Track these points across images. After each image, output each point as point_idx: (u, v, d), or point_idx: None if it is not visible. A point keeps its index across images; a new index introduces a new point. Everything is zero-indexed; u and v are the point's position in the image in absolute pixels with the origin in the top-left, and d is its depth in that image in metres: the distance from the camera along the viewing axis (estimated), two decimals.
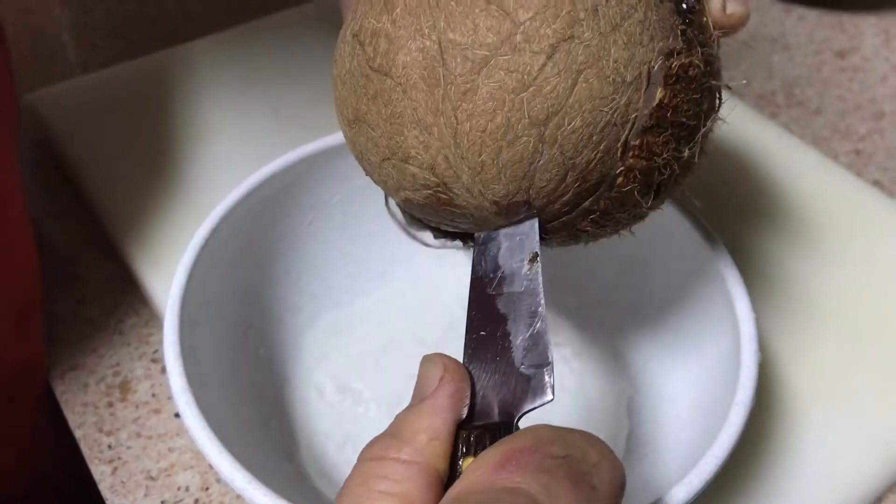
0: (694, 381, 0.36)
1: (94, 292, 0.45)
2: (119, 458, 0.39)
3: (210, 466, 0.38)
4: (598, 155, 0.27)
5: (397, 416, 0.24)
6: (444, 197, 0.29)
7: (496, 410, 0.25)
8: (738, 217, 0.47)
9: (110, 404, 0.41)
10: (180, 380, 0.29)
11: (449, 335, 0.42)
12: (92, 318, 0.44)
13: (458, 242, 0.33)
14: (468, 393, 0.25)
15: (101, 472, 0.38)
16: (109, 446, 0.39)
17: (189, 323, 0.32)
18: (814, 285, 0.43)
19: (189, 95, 0.54)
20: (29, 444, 0.43)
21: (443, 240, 0.34)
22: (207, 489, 0.37)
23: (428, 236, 0.35)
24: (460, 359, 0.26)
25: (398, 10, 0.28)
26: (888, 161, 0.54)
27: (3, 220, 0.37)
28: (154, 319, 0.44)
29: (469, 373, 0.26)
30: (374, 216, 0.42)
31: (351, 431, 0.39)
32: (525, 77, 0.26)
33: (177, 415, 0.40)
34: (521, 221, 0.29)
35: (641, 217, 0.30)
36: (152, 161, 0.49)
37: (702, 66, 0.27)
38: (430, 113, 0.27)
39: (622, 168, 0.27)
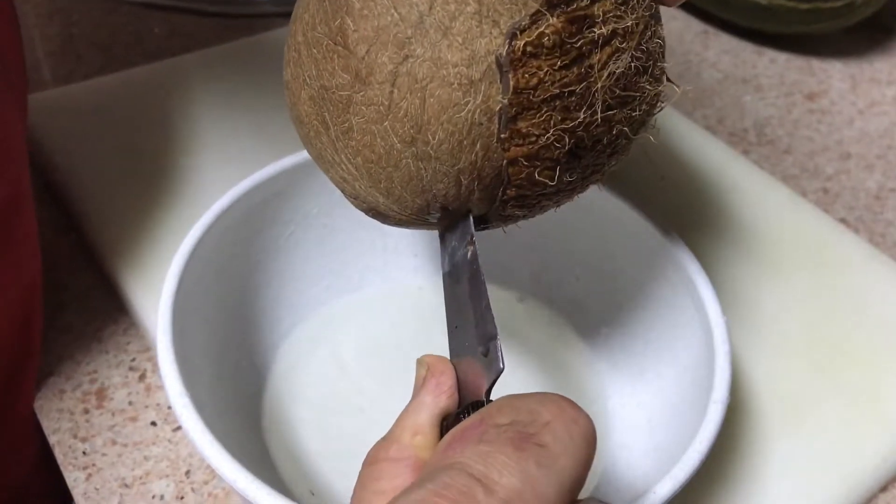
0: (665, 385, 0.37)
1: (74, 300, 0.45)
2: (94, 465, 0.38)
3: (186, 475, 0.38)
4: (479, 154, 0.27)
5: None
6: (380, 217, 0.30)
7: (481, 393, 0.26)
8: (711, 248, 0.48)
9: (86, 411, 0.40)
10: (177, 384, 0.30)
11: (422, 342, 0.43)
12: (70, 325, 0.44)
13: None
14: (451, 385, 0.26)
15: (74, 479, 0.38)
16: (84, 452, 0.39)
17: (179, 332, 0.32)
18: (782, 315, 0.45)
19: (174, 108, 0.54)
20: (19, 445, 0.43)
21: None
22: (182, 498, 0.37)
23: None
24: None
25: (291, 63, 0.29)
26: (853, 200, 0.56)
27: (18, 218, 0.37)
28: (132, 328, 0.44)
29: (454, 365, 0.27)
30: (351, 228, 0.43)
31: (327, 439, 0.39)
32: (380, 108, 0.26)
33: (153, 423, 0.40)
34: (457, 220, 0.30)
35: (570, 186, 0.29)
36: (135, 172, 0.50)
37: (559, 31, 0.26)
38: (334, 153, 0.29)
39: (507, 159, 0.27)
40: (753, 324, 0.44)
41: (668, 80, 0.30)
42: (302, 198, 0.41)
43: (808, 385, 0.42)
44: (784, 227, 0.50)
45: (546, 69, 0.26)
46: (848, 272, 0.48)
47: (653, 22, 0.28)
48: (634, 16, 0.27)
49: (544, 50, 0.26)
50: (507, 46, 0.25)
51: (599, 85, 0.26)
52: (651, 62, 0.28)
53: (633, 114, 0.28)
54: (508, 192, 0.28)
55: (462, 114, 0.26)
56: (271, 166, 0.40)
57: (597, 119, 0.27)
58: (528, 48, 0.25)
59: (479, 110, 0.26)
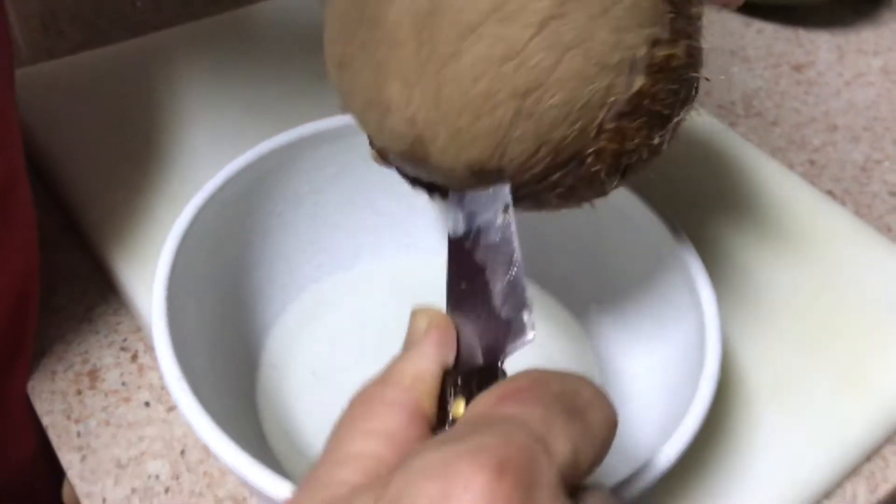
0: (658, 359, 0.37)
1: (63, 280, 0.45)
2: (88, 446, 0.39)
3: (181, 454, 0.38)
4: (573, 133, 0.27)
5: (387, 364, 0.25)
6: (420, 154, 0.29)
7: (480, 357, 0.26)
8: (698, 221, 0.48)
9: (79, 392, 0.41)
10: (173, 366, 0.30)
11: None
12: (60, 306, 0.44)
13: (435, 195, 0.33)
14: (453, 341, 0.26)
15: (69, 460, 0.38)
16: (78, 434, 0.39)
17: (174, 314, 0.32)
18: (770, 287, 0.45)
19: (161, 85, 0.53)
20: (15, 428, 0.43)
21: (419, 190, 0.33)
22: (178, 478, 0.38)
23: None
24: None
25: None
26: (840, 172, 0.57)
27: (16, 198, 0.37)
28: (123, 308, 0.44)
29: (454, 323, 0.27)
30: (343, 206, 0.43)
31: (322, 417, 0.39)
32: (511, 48, 0.26)
33: (147, 403, 0.40)
34: (491, 185, 0.29)
35: (604, 193, 0.30)
36: (123, 150, 0.49)
37: (684, 57, 0.27)
38: (414, 71, 0.27)
39: (594, 149, 0.27)
40: (740, 296, 0.45)
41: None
42: (293, 175, 0.41)
43: (795, 357, 0.42)
44: (772, 199, 0.50)
45: (661, 85, 0.27)
46: (834, 244, 0.48)
47: None
48: (697, 75, 0.29)
49: (669, 68, 0.27)
50: (646, 49, 0.26)
51: (676, 119, 0.28)
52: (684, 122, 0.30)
53: (664, 147, 0.30)
54: (570, 178, 0.28)
55: (587, 89, 0.26)
56: (262, 144, 0.39)
57: (662, 148, 0.28)
58: (662, 61, 0.27)
59: (599, 94, 0.26)
